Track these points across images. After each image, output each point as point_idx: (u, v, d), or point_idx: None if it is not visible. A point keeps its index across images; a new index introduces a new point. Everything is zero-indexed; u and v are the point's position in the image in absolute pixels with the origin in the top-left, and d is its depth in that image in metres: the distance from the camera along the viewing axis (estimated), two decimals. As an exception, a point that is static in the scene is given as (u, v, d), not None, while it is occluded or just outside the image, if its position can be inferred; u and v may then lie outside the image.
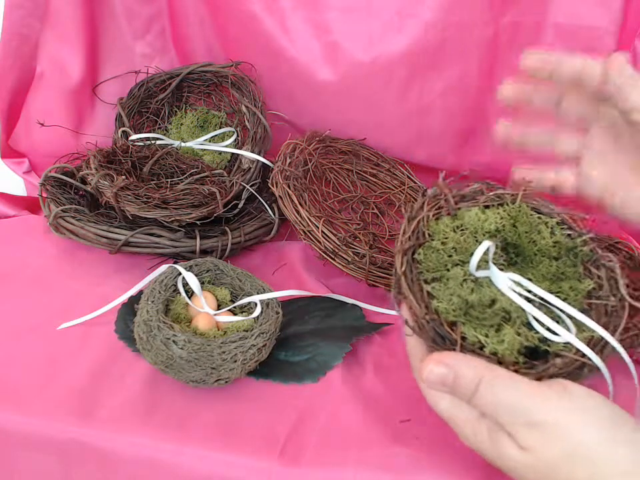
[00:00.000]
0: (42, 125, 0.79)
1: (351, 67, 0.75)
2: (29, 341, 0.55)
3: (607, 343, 0.38)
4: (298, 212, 0.62)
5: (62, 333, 0.56)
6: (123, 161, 0.71)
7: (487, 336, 0.38)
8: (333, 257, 0.61)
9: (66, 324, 0.57)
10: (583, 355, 0.37)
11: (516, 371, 0.37)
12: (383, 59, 0.74)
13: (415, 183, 0.81)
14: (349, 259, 0.61)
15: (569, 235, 0.42)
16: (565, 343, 0.38)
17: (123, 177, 0.66)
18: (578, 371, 0.37)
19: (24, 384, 0.50)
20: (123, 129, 0.77)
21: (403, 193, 0.80)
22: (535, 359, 0.38)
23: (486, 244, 0.39)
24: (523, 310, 0.39)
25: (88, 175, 0.66)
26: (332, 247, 0.61)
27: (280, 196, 0.64)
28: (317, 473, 0.44)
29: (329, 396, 0.50)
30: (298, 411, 0.49)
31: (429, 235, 0.41)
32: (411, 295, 0.38)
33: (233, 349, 0.48)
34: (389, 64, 0.74)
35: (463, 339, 0.37)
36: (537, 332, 0.39)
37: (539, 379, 0.37)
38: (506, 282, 0.39)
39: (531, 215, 0.42)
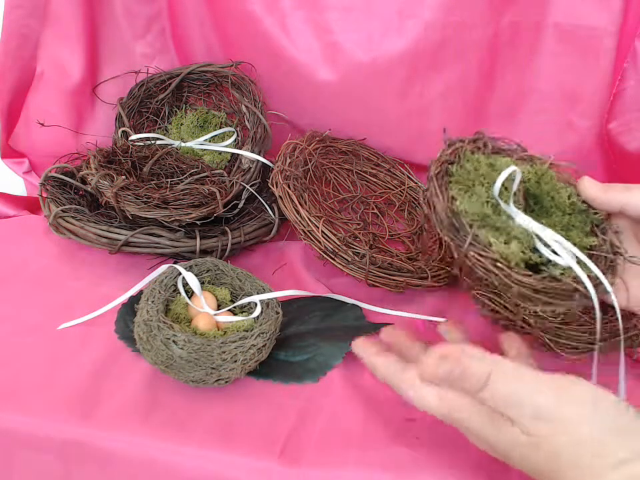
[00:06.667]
0: (42, 125, 0.79)
1: (351, 67, 0.75)
2: (29, 341, 0.55)
3: (600, 283, 0.41)
4: (298, 212, 0.62)
5: (62, 332, 0.56)
6: (123, 161, 0.71)
7: (497, 239, 0.41)
8: (332, 257, 0.61)
9: (66, 324, 0.57)
10: (578, 283, 0.40)
11: (516, 273, 0.39)
12: (383, 59, 0.74)
13: (415, 183, 0.81)
14: (349, 259, 0.61)
15: (584, 202, 0.46)
16: (563, 270, 0.41)
17: (123, 176, 0.66)
18: (570, 293, 0.40)
19: (24, 384, 0.50)
20: (123, 128, 0.77)
21: (403, 193, 0.80)
22: None
23: (512, 167, 0.42)
24: (531, 239, 0.42)
25: (88, 174, 0.66)
26: (332, 246, 0.61)
27: (280, 196, 0.64)
28: (317, 473, 0.44)
29: (328, 396, 0.50)
30: (298, 410, 0.49)
31: (465, 158, 0.44)
32: (437, 193, 0.42)
33: (233, 349, 0.48)
34: (388, 64, 0.74)
35: (475, 235, 0.40)
36: (541, 256, 0.42)
37: (535, 289, 0.39)
38: (521, 216, 0.43)
39: (555, 178, 0.46)
